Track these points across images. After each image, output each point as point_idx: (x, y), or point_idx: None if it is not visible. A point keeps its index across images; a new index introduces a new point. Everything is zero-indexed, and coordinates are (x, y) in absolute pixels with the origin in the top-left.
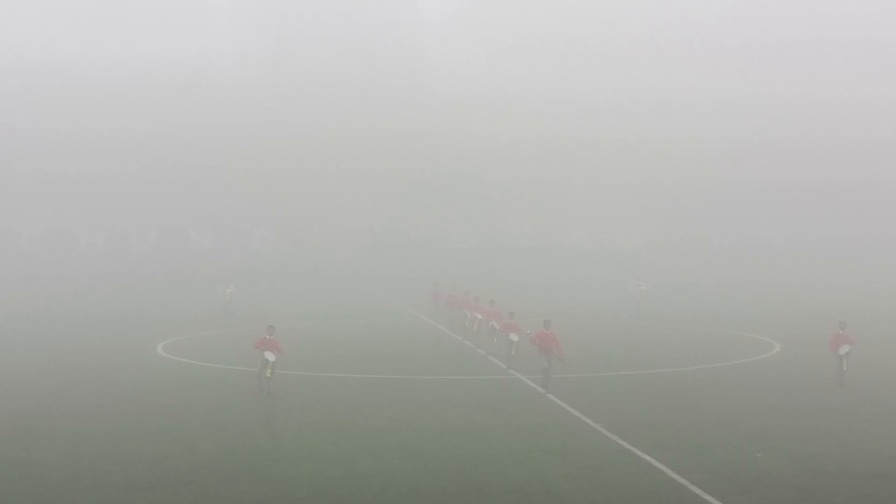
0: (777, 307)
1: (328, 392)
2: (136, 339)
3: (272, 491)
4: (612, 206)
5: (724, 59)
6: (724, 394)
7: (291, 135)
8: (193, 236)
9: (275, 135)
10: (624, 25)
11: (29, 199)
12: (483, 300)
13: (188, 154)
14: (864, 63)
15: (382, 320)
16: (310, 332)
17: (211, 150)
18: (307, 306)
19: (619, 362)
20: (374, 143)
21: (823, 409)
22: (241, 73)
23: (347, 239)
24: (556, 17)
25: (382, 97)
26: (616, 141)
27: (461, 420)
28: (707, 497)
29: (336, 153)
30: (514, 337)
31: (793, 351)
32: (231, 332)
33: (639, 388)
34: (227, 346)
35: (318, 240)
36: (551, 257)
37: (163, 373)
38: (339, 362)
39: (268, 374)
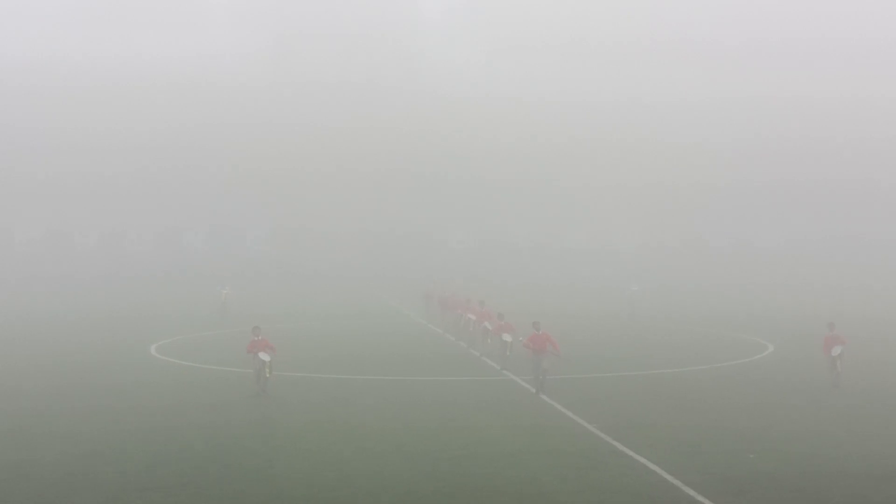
0: (771, 308)
1: (323, 393)
2: (129, 341)
3: (267, 492)
4: (611, 206)
5: (722, 60)
6: (718, 395)
7: (289, 135)
8: (189, 237)
9: (272, 135)
10: (623, 26)
11: (25, 199)
12: (474, 301)
13: (185, 154)
14: (861, 63)
15: (378, 321)
16: (305, 332)
17: (208, 151)
18: (303, 307)
19: (614, 363)
20: (373, 144)
21: (818, 409)
22: (239, 74)
23: (344, 239)
24: (555, 17)
25: (382, 98)
26: (615, 142)
27: (455, 421)
28: (701, 498)
29: (335, 153)
30: (507, 337)
31: (786, 352)
32: (226, 333)
33: (633, 389)
34: (222, 347)
35: (314, 240)
36: (550, 258)
37: (156, 374)
38: (333, 363)
39: (267, 375)
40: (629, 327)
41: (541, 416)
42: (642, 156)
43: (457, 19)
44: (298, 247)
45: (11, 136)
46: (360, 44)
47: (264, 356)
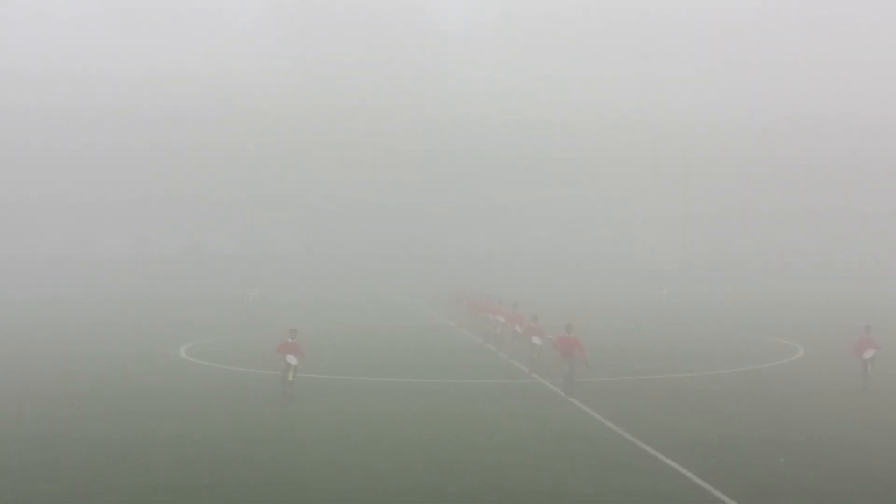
0: (801, 312)
1: (347, 396)
2: (158, 344)
3: (292, 495)
4: (649, 220)
5: (753, 72)
6: (747, 398)
7: (309, 146)
8: (217, 241)
9: (294, 147)
10: (634, 37)
11: (50, 210)
12: (506, 304)
13: (211, 164)
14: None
15: (405, 323)
16: (332, 335)
17: (233, 162)
18: (329, 309)
19: (642, 367)
20: (391, 155)
21: (847, 413)
22: (259, 92)
23: (371, 244)
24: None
25: (398, 112)
26: (641, 155)
27: (483, 424)
28: (730, 502)
29: (354, 164)
30: (536, 340)
31: (816, 355)
32: (254, 335)
33: (661, 393)
34: (249, 349)
35: (343, 244)
36: (578, 263)
37: (186, 377)
38: (359, 365)
39: (290, 378)
40: (658, 330)
41: (570, 420)
42: (674, 174)
43: (472, 34)
44: (323, 251)
45: (34, 152)
46: (378, 64)
47: (291, 359)
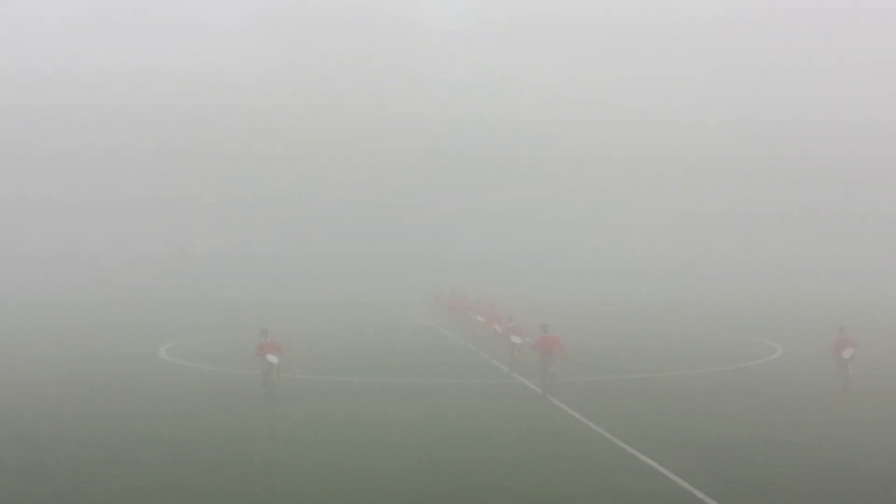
0: (779, 312)
1: (331, 396)
2: (138, 344)
3: (278, 495)
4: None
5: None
6: (727, 398)
7: (293, 147)
8: (201, 242)
9: (277, 147)
10: (620, 38)
11: (34, 211)
12: (484, 303)
13: (197, 165)
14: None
15: (386, 323)
16: (314, 335)
17: (220, 162)
18: (311, 309)
19: (623, 365)
20: (375, 156)
21: (827, 412)
22: (244, 93)
23: (357, 245)
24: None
25: (384, 114)
26: (626, 156)
27: (464, 424)
28: (711, 502)
29: (338, 165)
30: (515, 340)
31: (795, 354)
32: (236, 335)
33: (642, 392)
34: (231, 349)
35: (329, 245)
36: (561, 261)
37: (166, 377)
38: (341, 366)
39: (274, 377)
40: (638, 330)
41: (549, 419)
42: (657, 172)
43: (457, 34)
44: (305, 251)
45: (18, 152)
46: (362, 61)
47: (272, 358)
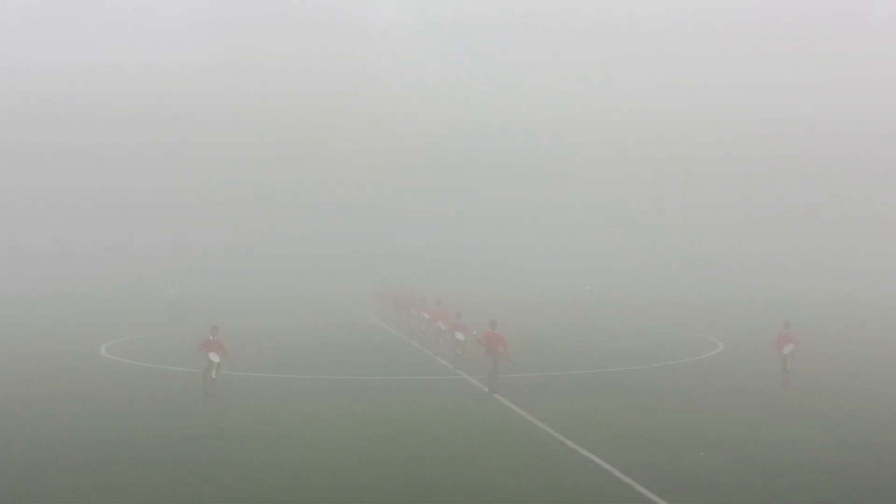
0: (727, 309)
1: (273, 394)
2: (78, 342)
3: (220, 493)
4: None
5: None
6: (669, 393)
7: (242, 143)
8: (141, 239)
9: (226, 143)
10: (575, 33)
11: None
12: (430, 300)
13: (137, 162)
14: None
15: (330, 320)
16: (257, 332)
17: (161, 159)
18: (254, 307)
19: (566, 362)
20: (328, 155)
21: (767, 407)
22: (187, 89)
23: (301, 243)
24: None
25: (334, 110)
26: (577, 154)
27: (408, 421)
28: (652, 496)
29: (287, 163)
30: (460, 336)
31: (735, 350)
32: (177, 332)
33: (584, 388)
34: (172, 346)
35: (272, 243)
36: (508, 261)
37: (107, 375)
38: (284, 363)
39: (213, 376)
40: (581, 326)
41: (493, 415)
42: (607, 170)
43: (406, 30)
44: (250, 248)
45: None
46: (309, 57)
47: (214, 357)
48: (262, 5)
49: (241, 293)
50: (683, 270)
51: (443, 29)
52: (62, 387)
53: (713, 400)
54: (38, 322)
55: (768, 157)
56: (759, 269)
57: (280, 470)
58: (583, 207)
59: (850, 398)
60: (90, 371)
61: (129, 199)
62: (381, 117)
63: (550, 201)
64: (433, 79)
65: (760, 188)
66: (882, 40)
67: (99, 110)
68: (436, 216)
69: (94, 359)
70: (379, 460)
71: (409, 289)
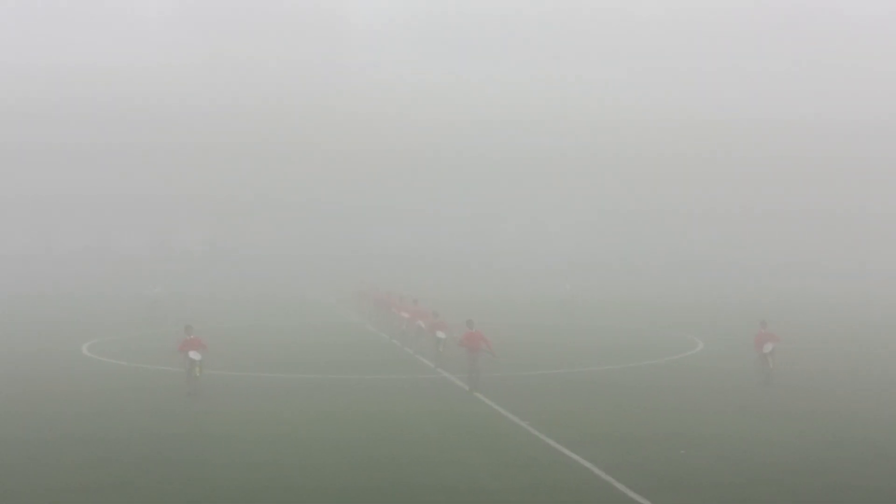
0: (709, 308)
1: (256, 393)
2: (60, 341)
3: (203, 491)
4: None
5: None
6: (650, 392)
7: (221, 143)
8: (124, 240)
9: (206, 143)
10: (553, 27)
11: None
12: (408, 299)
13: (117, 161)
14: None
15: (313, 320)
16: (239, 332)
17: (142, 158)
18: (236, 307)
19: (547, 361)
20: (305, 152)
21: (747, 406)
22: (172, 86)
23: (284, 242)
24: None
25: (315, 110)
26: (552, 154)
27: (390, 420)
28: (633, 494)
29: (265, 162)
30: (440, 335)
31: (716, 348)
32: (159, 332)
33: (566, 387)
34: (154, 346)
35: (251, 245)
36: (488, 259)
37: (89, 375)
38: (266, 362)
39: (196, 374)
40: (562, 325)
41: (475, 415)
42: (582, 170)
43: (385, 27)
44: (231, 248)
45: None
46: (289, 57)
47: (195, 355)
48: (249, 5)
49: (224, 293)
50: (678, 269)
51: (427, 28)
52: (44, 385)
53: (693, 398)
54: (21, 321)
55: (766, 157)
56: (756, 269)
57: (262, 469)
58: (576, 207)
59: (831, 397)
60: (72, 370)
61: (110, 198)
62: (364, 117)
63: (540, 201)
64: (415, 79)
65: (757, 188)
66: (878, 40)
67: (80, 110)
68: (418, 216)
69: (76, 358)
70: (361, 459)
71: (388, 288)
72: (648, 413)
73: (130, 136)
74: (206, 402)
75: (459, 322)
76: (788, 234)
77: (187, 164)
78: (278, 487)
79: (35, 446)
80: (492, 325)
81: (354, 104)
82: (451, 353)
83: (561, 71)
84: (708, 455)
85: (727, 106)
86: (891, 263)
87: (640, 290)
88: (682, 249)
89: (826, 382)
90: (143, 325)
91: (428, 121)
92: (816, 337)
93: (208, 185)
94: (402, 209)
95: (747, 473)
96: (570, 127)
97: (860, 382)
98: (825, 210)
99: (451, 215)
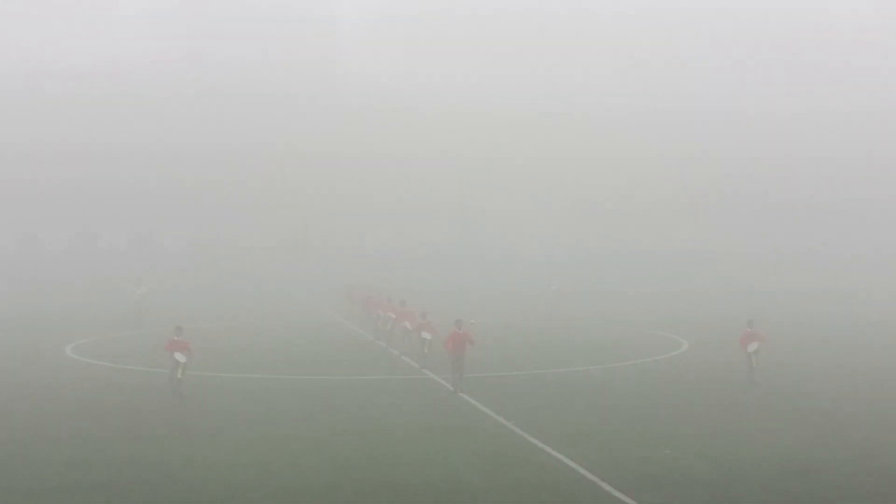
0: (686, 308)
1: (241, 393)
2: (43, 341)
3: (186, 493)
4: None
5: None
6: (634, 392)
7: (205, 142)
8: (107, 238)
9: (189, 140)
10: (540, 30)
11: None
12: (395, 300)
13: (106, 158)
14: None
15: (297, 321)
16: (224, 332)
17: (127, 155)
18: (221, 307)
19: (532, 361)
20: (289, 151)
21: (732, 406)
22: (155, 85)
23: (263, 243)
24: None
25: (298, 108)
26: (536, 151)
27: (375, 420)
28: (617, 494)
29: (250, 160)
30: (426, 336)
31: (700, 349)
32: (143, 332)
33: (550, 387)
34: (138, 347)
35: (233, 242)
36: (471, 262)
37: (73, 376)
38: (251, 363)
39: (179, 376)
40: (546, 326)
41: (460, 415)
42: (561, 168)
43: (373, 26)
44: (214, 248)
45: None
46: (275, 57)
47: (180, 357)
48: (233, 2)
49: (209, 292)
50: (666, 268)
51: (415, 27)
52: (25, 386)
53: (677, 398)
54: (3, 320)
55: (762, 156)
56: (752, 267)
57: (246, 469)
58: (563, 206)
59: (815, 395)
60: (55, 370)
61: (94, 195)
62: (352, 116)
63: (527, 200)
64: (402, 79)
65: (753, 187)
66: (874, 40)
67: (62, 108)
68: (405, 214)
69: (60, 359)
70: (346, 459)
71: (376, 288)
72: (633, 412)
73: (114, 135)
74: (190, 403)
75: (447, 322)
76: (779, 231)
77: (170, 162)
78: (263, 487)
79: (16, 445)
80: (478, 324)
81: (341, 102)
82: (437, 354)
83: (551, 71)
84: (692, 454)
85: (713, 102)
86: (880, 256)
87: (627, 290)
88: (669, 249)
89: (813, 380)
90: (128, 325)
91: (415, 121)
92: (799, 336)
93: (193, 183)
94: (388, 208)
95: (730, 473)
96: (560, 125)
97: (844, 381)
98: (817, 206)
99: (438, 214)
